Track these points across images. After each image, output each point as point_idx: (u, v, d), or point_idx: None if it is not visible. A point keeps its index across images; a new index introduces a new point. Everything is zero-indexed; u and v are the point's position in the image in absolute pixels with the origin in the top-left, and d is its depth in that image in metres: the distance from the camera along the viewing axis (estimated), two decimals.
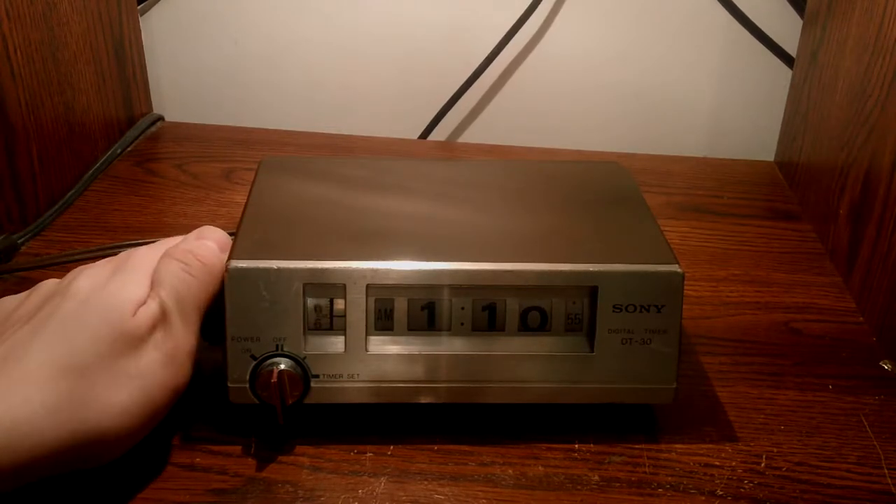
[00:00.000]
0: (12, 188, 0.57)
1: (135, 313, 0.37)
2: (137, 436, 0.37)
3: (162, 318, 0.38)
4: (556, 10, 0.74)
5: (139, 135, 0.73)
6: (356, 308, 0.39)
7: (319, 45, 0.77)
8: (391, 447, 0.41)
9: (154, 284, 0.39)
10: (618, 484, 0.40)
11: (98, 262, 0.40)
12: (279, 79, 0.79)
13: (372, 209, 0.45)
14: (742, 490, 0.40)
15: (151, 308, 0.38)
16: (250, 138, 0.74)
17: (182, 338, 0.38)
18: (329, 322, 0.40)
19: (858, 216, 0.56)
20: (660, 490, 0.39)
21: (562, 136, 0.78)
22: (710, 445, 0.42)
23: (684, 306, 0.40)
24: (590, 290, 0.40)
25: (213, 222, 0.43)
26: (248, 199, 0.45)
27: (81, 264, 0.41)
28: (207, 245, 0.41)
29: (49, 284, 0.39)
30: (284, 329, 0.39)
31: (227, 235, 0.42)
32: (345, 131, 0.77)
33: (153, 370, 0.37)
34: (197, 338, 0.39)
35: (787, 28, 0.73)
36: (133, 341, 0.36)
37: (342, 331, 0.40)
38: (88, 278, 0.38)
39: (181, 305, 0.39)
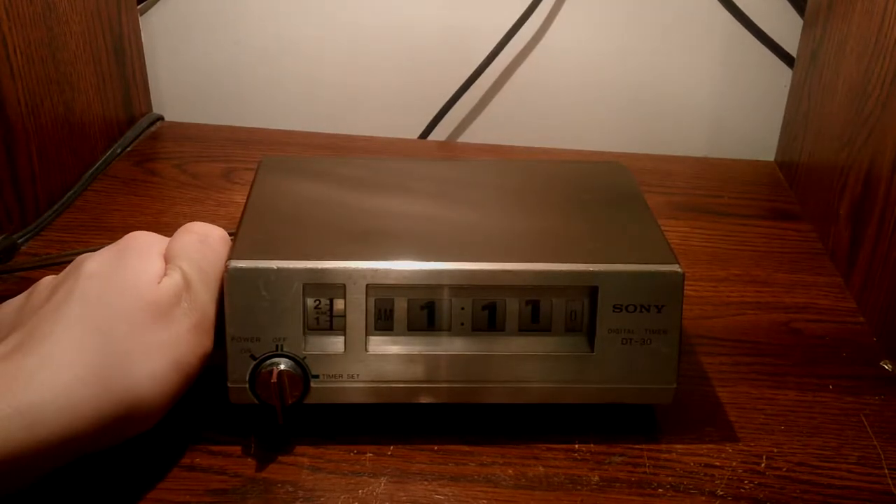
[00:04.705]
0: (12, 188, 0.56)
1: (158, 284, 0.38)
2: (171, 402, 0.38)
3: (186, 288, 0.39)
4: (556, 9, 0.74)
5: (139, 135, 0.73)
6: (356, 308, 0.39)
7: (319, 45, 0.77)
8: (391, 447, 0.41)
9: (171, 258, 0.40)
10: (618, 484, 0.40)
11: (99, 251, 0.40)
12: (279, 78, 0.79)
13: (372, 209, 0.45)
14: (742, 490, 0.40)
15: (174, 278, 0.39)
16: (250, 138, 0.74)
17: (207, 305, 0.39)
18: (329, 322, 0.40)
19: (859, 216, 0.56)
20: (660, 490, 0.39)
21: (562, 136, 0.78)
22: (711, 445, 0.42)
23: (684, 306, 0.40)
24: (590, 289, 0.40)
25: (212, 222, 0.43)
26: (247, 199, 0.45)
27: None
28: (213, 225, 0.43)
29: (48, 279, 0.39)
30: (284, 329, 0.39)
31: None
32: (345, 131, 0.77)
33: (183, 338, 0.38)
34: (219, 305, 0.40)
35: (787, 28, 0.73)
36: (161, 311, 0.37)
37: (342, 331, 0.40)
38: (96, 261, 0.38)
39: (202, 274, 0.39)
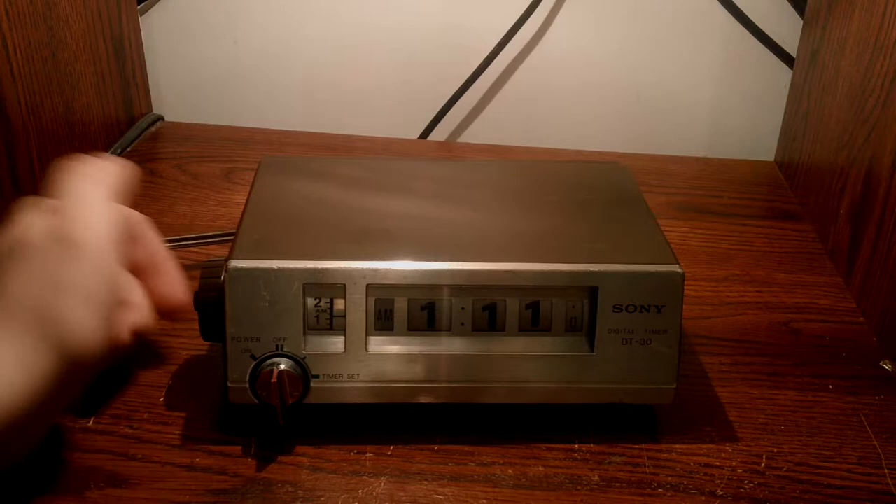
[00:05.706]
0: (12, 188, 0.56)
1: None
2: (102, 324, 0.36)
3: (53, 212, 0.37)
4: (556, 10, 0.74)
5: (139, 135, 0.73)
6: (356, 308, 0.39)
7: (319, 45, 0.77)
8: (391, 447, 0.41)
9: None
10: (618, 484, 0.40)
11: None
12: (279, 78, 0.79)
13: (372, 209, 0.45)
14: (742, 490, 0.40)
15: (32, 211, 0.37)
16: (250, 138, 0.74)
17: (81, 221, 0.37)
18: (329, 322, 0.40)
19: (859, 216, 0.56)
20: (660, 490, 0.39)
21: (562, 136, 0.78)
22: (710, 445, 0.42)
23: (684, 306, 0.40)
24: (590, 290, 0.40)
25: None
26: (248, 199, 0.45)
27: None
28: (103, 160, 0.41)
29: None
30: (284, 329, 0.39)
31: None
32: (345, 131, 0.77)
33: (62, 262, 0.36)
34: (110, 225, 0.37)
35: (787, 28, 0.73)
36: (27, 246, 0.36)
37: (342, 331, 0.40)
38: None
39: (75, 198, 0.37)
